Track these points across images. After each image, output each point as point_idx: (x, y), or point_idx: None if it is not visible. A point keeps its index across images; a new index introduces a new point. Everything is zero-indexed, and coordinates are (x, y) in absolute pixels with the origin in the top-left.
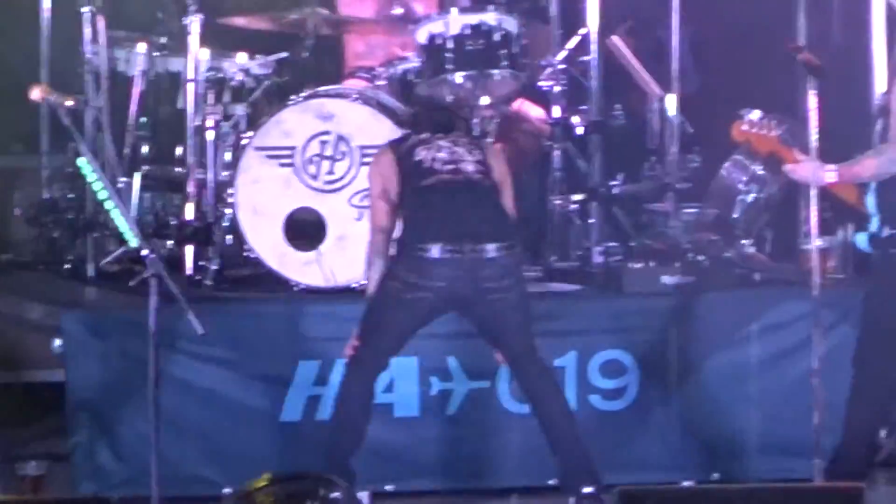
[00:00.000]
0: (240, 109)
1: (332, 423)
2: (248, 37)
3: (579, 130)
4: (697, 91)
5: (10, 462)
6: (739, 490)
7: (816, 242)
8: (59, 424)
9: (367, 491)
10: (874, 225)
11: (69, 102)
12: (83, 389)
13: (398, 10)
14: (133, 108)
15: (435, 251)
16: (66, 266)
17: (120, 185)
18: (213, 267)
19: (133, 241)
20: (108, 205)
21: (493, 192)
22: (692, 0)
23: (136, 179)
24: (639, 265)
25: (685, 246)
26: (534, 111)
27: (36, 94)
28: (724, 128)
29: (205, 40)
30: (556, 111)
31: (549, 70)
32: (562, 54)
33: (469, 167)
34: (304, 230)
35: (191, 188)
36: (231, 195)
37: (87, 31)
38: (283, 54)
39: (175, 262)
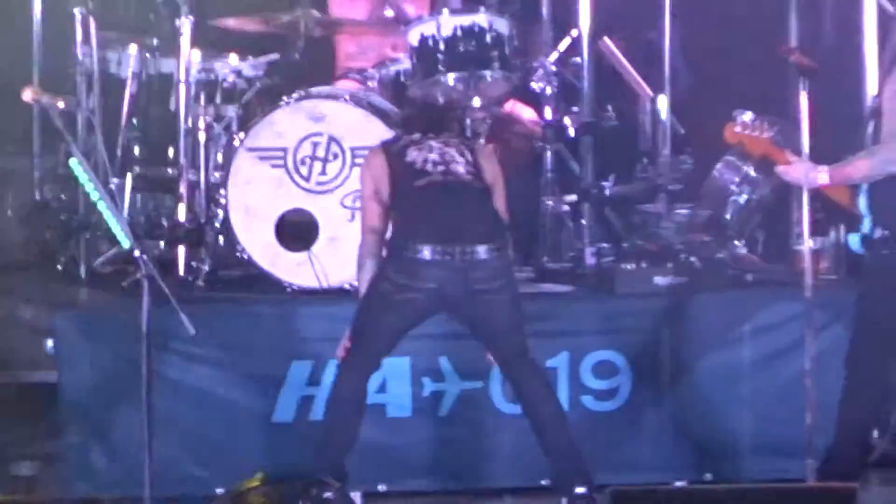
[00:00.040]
0: (231, 111)
1: (325, 424)
2: (240, 38)
3: (571, 132)
4: (689, 92)
5: (3, 463)
6: (732, 490)
7: (808, 243)
8: (52, 425)
9: (359, 491)
10: (866, 226)
11: (61, 104)
12: (76, 390)
13: (390, 12)
14: (125, 109)
15: (426, 252)
16: (59, 267)
17: (112, 187)
18: (206, 268)
19: (125, 242)
20: (100, 206)
21: (483, 194)
22: (684, 1)
23: (128, 180)
24: (631, 266)
25: (677, 247)
26: (525, 112)
27: (28, 95)
28: (715, 129)
29: (196, 42)
30: (548, 112)
31: (540, 71)
32: (553, 56)
33: (460, 168)
34: (296, 231)
35: (183, 189)
36: (223, 196)
37: (79, 33)
38: (275, 56)
39: (167, 263)
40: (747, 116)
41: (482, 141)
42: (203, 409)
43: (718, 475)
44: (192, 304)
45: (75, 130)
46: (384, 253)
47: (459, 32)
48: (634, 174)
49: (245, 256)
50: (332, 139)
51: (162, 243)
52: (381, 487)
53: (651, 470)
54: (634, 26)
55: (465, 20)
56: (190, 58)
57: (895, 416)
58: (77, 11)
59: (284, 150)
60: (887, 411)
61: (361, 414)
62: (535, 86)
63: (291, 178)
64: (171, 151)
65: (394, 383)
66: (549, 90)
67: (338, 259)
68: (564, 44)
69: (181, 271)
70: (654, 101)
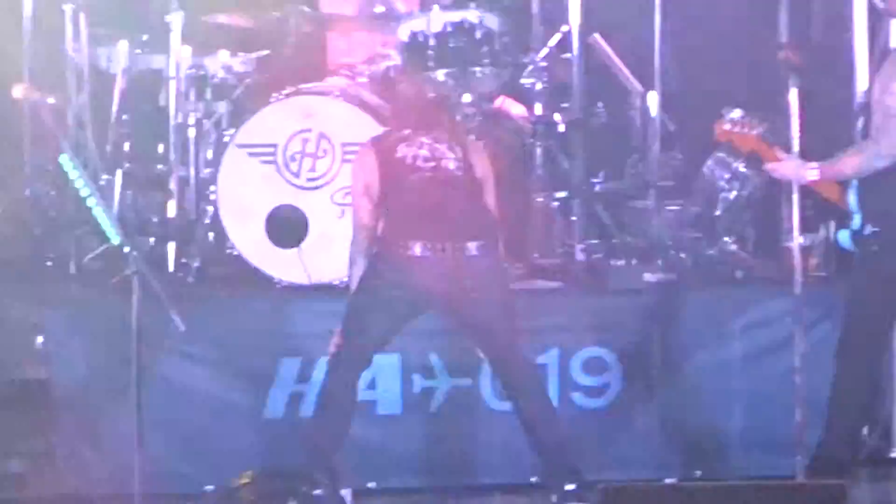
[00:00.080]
0: (221, 107)
1: (315, 421)
2: (230, 34)
3: (561, 128)
4: (679, 89)
5: None
6: (722, 487)
7: (798, 240)
8: (42, 422)
9: (349, 488)
10: (856, 222)
11: (51, 100)
12: (65, 387)
13: (380, 8)
14: (115, 105)
15: (417, 249)
16: (49, 263)
17: (102, 183)
18: (195, 264)
19: (115, 239)
20: (90, 202)
21: (474, 190)
22: None
23: (118, 177)
24: (621, 262)
25: (667, 243)
26: (516, 109)
27: (18, 91)
28: (706, 125)
29: (186, 38)
30: (538, 109)
31: (530, 67)
32: (544, 52)
33: (450, 164)
34: (287, 227)
35: (173, 185)
36: (213, 192)
37: (69, 29)
38: (265, 52)
39: (157, 259)
40: (736, 114)
41: (472, 137)
42: (193, 405)
43: (708, 472)
44: (182, 300)
45: (65, 127)
46: (375, 249)
47: (449, 28)
48: (625, 170)
49: (235, 253)
50: (322, 135)
51: (152, 240)
52: (371, 484)
53: (641, 466)
54: (625, 23)
55: (455, 16)
56: (180, 54)
57: (884, 412)
58: (67, 8)
59: (274, 146)
60: (877, 408)
61: (352, 411)
62: (526, 82)
63: (281, 174)
64: (161, 148)
65: (384, 380)
66: (539, 86)
67: (328, 255)
68: (554, 40)
69: (171, 268)
70: (644, 97)
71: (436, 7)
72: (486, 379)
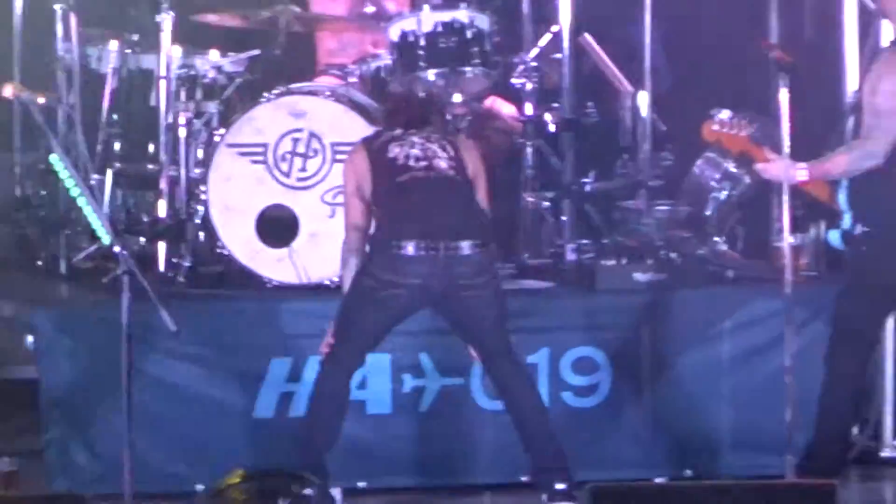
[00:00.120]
0: (212, 107)
1: (307, 421)
2: (221, 34)
3: (552, 128)
4: (669, 89)
5: None
6: (712, 487)
7: (789, 240)
8: (33, 421)
9: (338, 487)
10: (847, 222)
11: (41, 100)
12: (56, 386)
13: (370, 8)
14: (105, 105)
15: (410, 248)
16: (39, 263)
17: (92, 183)
18: (186, 264)
19: (105, 238)
20: (81, 202)
21: (467, 189)
22: None
23: (109, 176)
24: (611, 262)
25: (658, 243)
26: (506, 108)
27: (8, 91)
28: (696, 125)
29: (177, 37)
30: (529, 108)
31: (521, 67)
32: (534, 52)
33: (442, 164)
34: (277, 227)
35: (163, 185)
36: (203, 192)
37: (60, 29)
38: (256, 52)
39: (147, 259)
40: (725, 114)
41: (463, 136)
42: (183, 405)
43: (698, 471)
44: (173, 300)
45: (56, 126)
46: (367, 249)
47: (440, 28)
48: (615, 170)
49: (225, 252)
50: (312, 135)
51: (142, 239)
52: (361, 484)
53: (631, 466)
54: (615, 22)
55: (446, 16)
56: (170, 53)
57: (874, 412)
58: (58, 7)
59: (265, 146)
60: (866, 408)
61: (344, 411)
62: (516, 82)
63: (272, 174)
64: (151, 147)
65: (374, 380)
66: (529, 86)
67: (318, 255)
68: (545, 40)
69: (161, 267)
70: (634, 97)
71: (426, 7)
72: (477, 378)
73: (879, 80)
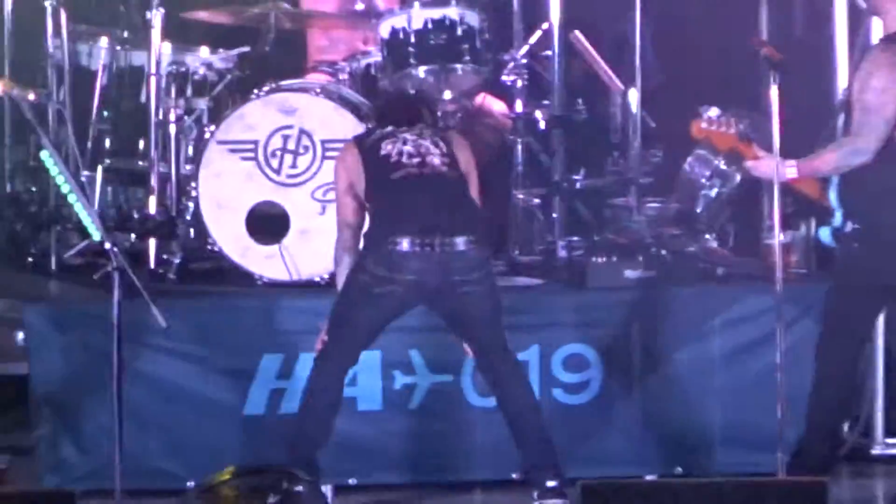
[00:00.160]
0: (202, 103)
1: (300, 417)
2: (211, 31)
3: (542, 125)
4: (660, 86)
5: None
6: (702, 484)
7: (779, 237)
8: (23, 418)
9: (329, 484)
10: (837, 219)
11: (31, 96)
12: (46, 383)
13: (360, 5)
14: (95, 101)
15: (405, 244)
16: (29, 259)
17: (83, 179)
18: (176, 260)
19: (96, 235)
20: (71, 198)
21: (461, 185)
22: None
23: (99, 173)
24: (602, 259)
25: (648, 240)
26: (496, 105)
27: None
28: (686, 122)
29: (167, 34)
30: (519, 105)
31: (511, 64)
32: (524, 49)
33: (436, 160)
34: (267, 224)
35: (153, 182)
36: (194, 189)
37: (50, 25)
38: (246, 48)
39: (138, 255)
40: (713, 112)
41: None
42: (174, 401)
43: (689, 469)
44: (163, 296)
45: (46, 123)
46: (361, 246)
47: (430, 25)
48: (605, 167)
49: (216, 249)
50: (302, 132)
51: (133, 236)
52: (352, 481)
53: (621, 463)
54: (605, 19)
55: (436, 13)
56: (160, 50)
57: (865, 409)
58: (48, 4)
59: (255, 142)
60: (857, 405)
61: (337, 408)
62: (506, 79)
63: (262, 170)
64: (141, 144)
65: (364, 376)
66: (519, 83)
67: (308, 252)
68: (535, 37)
69: (152, 264)
70: (624, 94)
71: (416, 4)
72: (467, 376)
73: (869, 77)
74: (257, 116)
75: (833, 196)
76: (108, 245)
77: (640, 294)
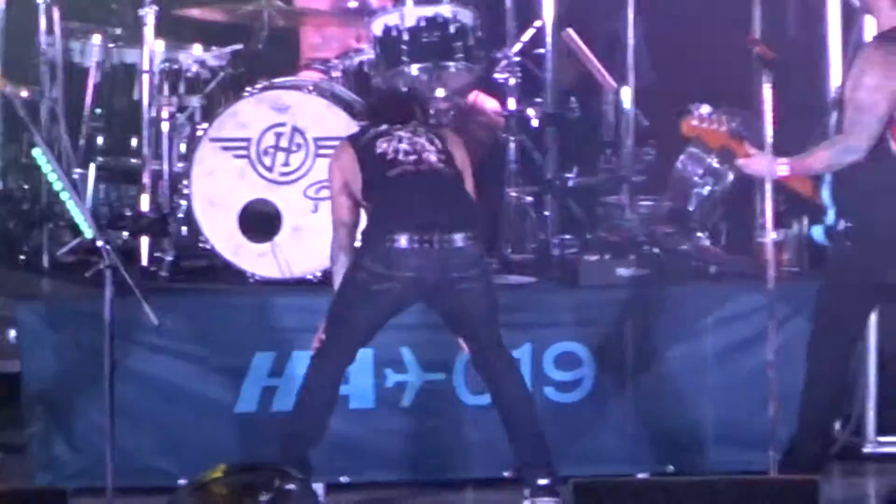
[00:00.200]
0: (195, 101)
1: (295, 415)
2: (203, 28)
3: (535, 123)
4: (652, 84)
5: None
6: (694, 482)
7: (772, 235)
8: (15, 415)
9: (321, 482)
10: (830, 217)
11: (24, 93)
12: (38, 380)
13: (353, 3)
14: (88, 99)
15: (403, 241)
16: (21, 257)
17: (75, 177)
18: (169, 258)
19: (88, 232)
20: (64, 196)
21: (457, 181)
22: None
23: (92, 170)
24: (594, 258)
25: (641, 238)
26: (489, 103)
27: None
28: (679, 121)
29: (160, 32)
30: (512, 104)
31: (504, 62)
32: (517, 47)
33: (432, 157)
34: (260, 222)
35: (146, 179)
36: (186, 186)
37: (42, 23)
38: (238, 46)
39: (130, 253)
40: (704, 109)
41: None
42: (166, 399)
43: (681, 467)
44: (155, 294)
45: (38, 120)
46: (358, 244)
47: (423, 23)
48: (598, 165)
49: (208, 247)
50: (295, 130)
51: (125, 233)
52: (344, 479)
53: (614, 461)
54: (598, 17)
55: (429, 11)
56: (153, 48)
57: (857, 407)
58: (40, 1)
59: (248, 140)
60: (849, 403)
61: (332, 407)
62: (499, 77)
63: (255, 168)
64: (134, 141)
65: (356, 374)
66: (512, 81)
67: (301, 249)
68: (528, 35)
69: (144, 261)
70: (617, 92)
71: (409, 2)
72: (459, 374)
73: (862, 76)
74: (250, 114)
75: (825, 194)
76: (100, 243)
77: (632, 292)
